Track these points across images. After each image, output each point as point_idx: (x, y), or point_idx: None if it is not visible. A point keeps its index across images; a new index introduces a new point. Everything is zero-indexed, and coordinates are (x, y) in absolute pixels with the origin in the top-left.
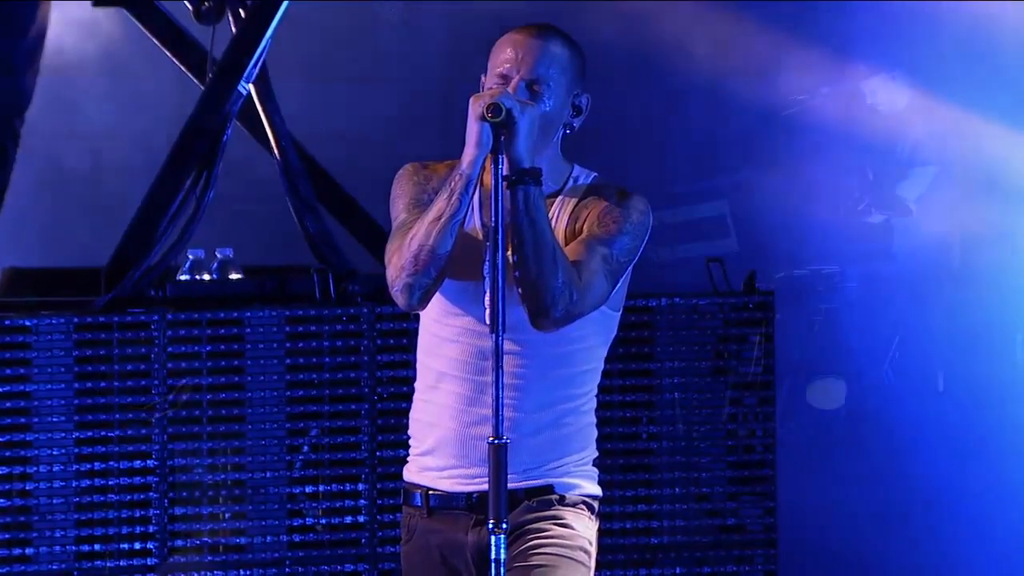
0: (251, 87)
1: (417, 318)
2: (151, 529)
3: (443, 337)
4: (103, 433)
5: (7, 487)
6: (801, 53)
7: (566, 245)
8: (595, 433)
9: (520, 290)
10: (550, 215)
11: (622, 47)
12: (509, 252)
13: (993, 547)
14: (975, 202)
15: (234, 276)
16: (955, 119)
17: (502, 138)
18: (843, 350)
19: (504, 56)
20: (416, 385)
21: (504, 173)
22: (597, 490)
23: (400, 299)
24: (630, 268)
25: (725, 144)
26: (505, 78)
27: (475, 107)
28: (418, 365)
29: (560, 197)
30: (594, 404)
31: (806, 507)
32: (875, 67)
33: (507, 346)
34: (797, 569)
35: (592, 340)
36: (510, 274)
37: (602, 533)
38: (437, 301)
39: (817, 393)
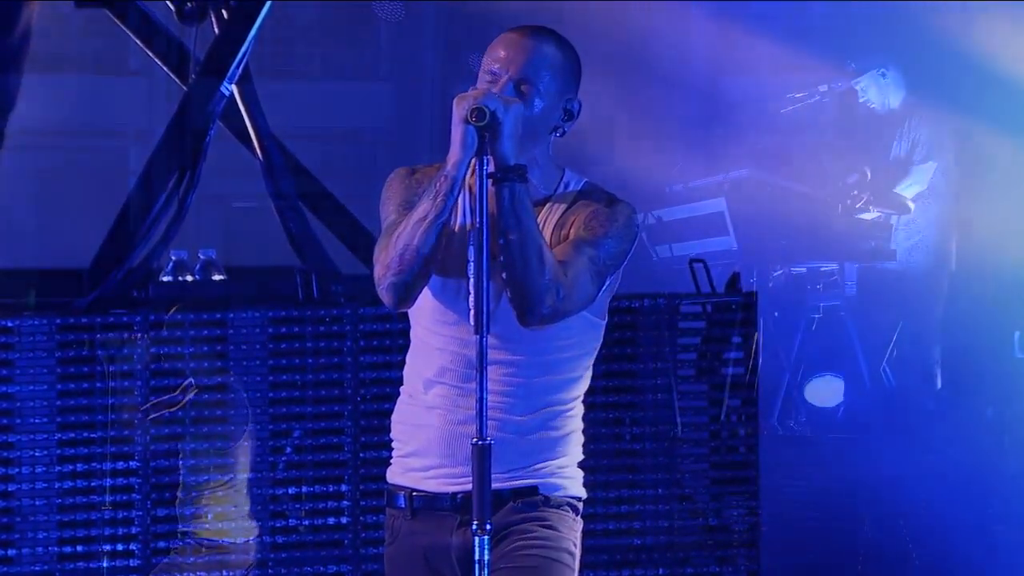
0: (234, 88)
1: (401, 318)
2: (134, 530)
3: (433, 346)
4: (86, 434)
5: None
6: (800, 53)
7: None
8: (582, 438)
9: (507, 289)
10: (538, 220)
11: (621, 47)
12: (496, 251)
13: (990, 546)
14: (973, 201)
15: (217, 277)
16: (952, 118)
17: (486, 137)
18: (841, 347)
19: (496, 55)
20: (402, 390)
21: (489, 172)
22: (582, 492)
23: (386, 298)
24: (617, 275)
25: (724, 142)
26: (495, 76)
27: (459, 109)
28: (407, 370)
29: (549, 204)
30: (581, 410)
31: (801, 505)
32: (865, 66)
33: (496, 354)
34: (781, 569)
35: (578, 349)
36: (497, 275)
37: (585, 534)
38: (429, 310)
39: (815, 390)
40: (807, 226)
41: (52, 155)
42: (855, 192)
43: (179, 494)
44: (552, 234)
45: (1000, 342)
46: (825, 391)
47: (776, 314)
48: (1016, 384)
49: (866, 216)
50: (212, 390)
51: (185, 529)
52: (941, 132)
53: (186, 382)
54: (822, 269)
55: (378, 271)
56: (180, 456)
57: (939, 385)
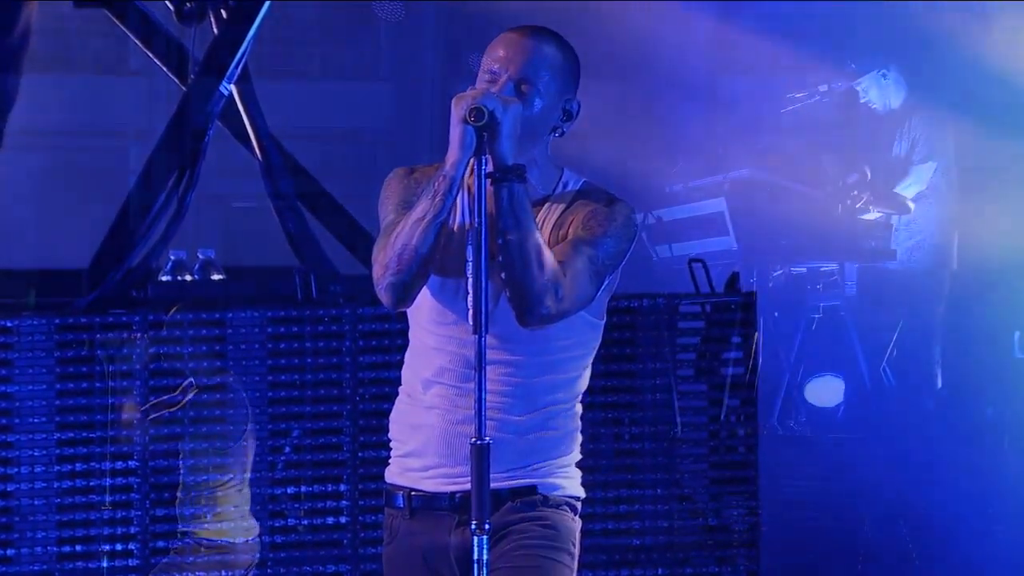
0: (233, 88)
1: (399, 318)
2: (133, 530)
3: (432, 346)
4: (85, 434)
5: None
6: (800, 53)
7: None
8: (580, 438)
9: (506, 289)
10: (537, 220)
11: (621, 47)
12: (495, 251)
13: (990, 546)
14: (973, 201)
15: (216, 277)
16: (952, 118)
17: (485, 137)
18: (841, 347)
19: (496, 55)
20: (401, 389)
21: (488, 172)
22: (580, 491)
23: (385, 298)
24: (615, 275)
25: (724, 142)
26: (494, 76)
27: (457, 110)
28: (405, 370)
29: (548, 204)
30: (579, 410)
31: (801, 505)
32: (866, 66)
33: (495, 354)
34: (780, 569)
35: (577, 349)
36: (496, 275)
37: (584, 534)
38: (427, 310)
39: (815, 390)
40: (807, 226)
41: (52, 155)
42: (855, 192)
43: (179, 494)
44: (551, 234)
45: (1000, 342)
46: (825, 391)
47: (776, 314)
48: (1016, 384)
49: (866, 216)
50: (212, 390)
51: (185, 529)
52: (941, 132)
53: (186, 382)
54: (822, 269)
55: (376, 271)
56: (180, 456)
57: (939, 385)
